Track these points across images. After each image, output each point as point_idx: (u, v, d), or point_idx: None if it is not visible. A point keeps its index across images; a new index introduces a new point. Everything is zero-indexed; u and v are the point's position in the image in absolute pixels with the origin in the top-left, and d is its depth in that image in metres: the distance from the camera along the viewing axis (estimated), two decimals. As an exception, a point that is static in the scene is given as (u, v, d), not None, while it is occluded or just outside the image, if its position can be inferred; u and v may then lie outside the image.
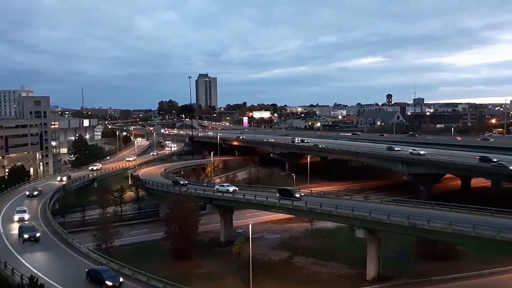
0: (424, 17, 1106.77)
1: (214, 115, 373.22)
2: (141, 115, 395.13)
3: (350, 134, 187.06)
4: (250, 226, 48.27)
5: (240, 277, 51.18)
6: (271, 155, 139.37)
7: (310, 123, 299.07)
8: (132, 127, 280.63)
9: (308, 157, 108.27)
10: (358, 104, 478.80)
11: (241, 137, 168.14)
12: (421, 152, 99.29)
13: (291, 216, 74.11)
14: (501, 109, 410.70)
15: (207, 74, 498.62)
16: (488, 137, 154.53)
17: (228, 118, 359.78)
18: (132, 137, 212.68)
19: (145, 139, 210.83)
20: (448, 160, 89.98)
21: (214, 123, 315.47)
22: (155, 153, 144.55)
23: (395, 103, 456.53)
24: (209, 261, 59.18)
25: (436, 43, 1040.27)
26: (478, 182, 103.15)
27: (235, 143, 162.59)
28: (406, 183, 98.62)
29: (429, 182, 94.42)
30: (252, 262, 46.82)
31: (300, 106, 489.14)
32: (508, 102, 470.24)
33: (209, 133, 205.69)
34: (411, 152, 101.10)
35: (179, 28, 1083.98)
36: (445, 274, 50.98)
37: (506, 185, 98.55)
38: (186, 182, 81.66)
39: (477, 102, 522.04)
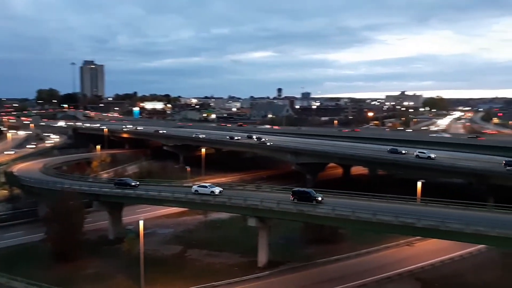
0: (310, 15, 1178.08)
1: (102, 105, 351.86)
2: (16, 105, 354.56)
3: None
4: (141, 222, 46.49)
5: (131, 274, 49.11)
6: (164, 147, 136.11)
7: (205, 115, 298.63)
8: (6, 117, 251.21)
9: (203, 149, 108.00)
10: (251, 97, 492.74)
11: (131, 129, 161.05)
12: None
13: (185, 209, 73.30)
14: (377, 103, 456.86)
15: (93, 61, 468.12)
16: (365, 129, 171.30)
17: (117, 108, 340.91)
18: (4, 129, 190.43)
19: (21, 131, 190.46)
20: (330, 150, 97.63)
21: (101, 113, 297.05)
22: (33, 146, 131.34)
23: (285, 96, 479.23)
24: (97, 261, 55.74)
25: (322, 41, 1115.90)
26: (357, 170, 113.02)
27: (124, 135, 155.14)
28: (294, 172, 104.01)
29: (315, 171, 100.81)
30: (143, 258, 45.34)
31: (195, 98, 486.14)
32: (383, 97, 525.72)
33: (95, 124, 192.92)
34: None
35: (59, 10, 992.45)
36: (328, 257, 54.98)
37: (381, 172, 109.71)
38: (138, 183, 66.77)
39: (357, 97, 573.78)
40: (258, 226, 54.11)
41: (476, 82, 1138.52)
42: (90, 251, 58.14)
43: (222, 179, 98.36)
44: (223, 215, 72.69)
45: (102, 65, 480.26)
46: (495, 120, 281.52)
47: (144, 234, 46.80)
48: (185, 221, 74.68)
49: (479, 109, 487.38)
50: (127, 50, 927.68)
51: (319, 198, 52.45)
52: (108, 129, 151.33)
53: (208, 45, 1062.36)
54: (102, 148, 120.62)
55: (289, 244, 60.58)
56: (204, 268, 53.27)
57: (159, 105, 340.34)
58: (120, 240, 60.02)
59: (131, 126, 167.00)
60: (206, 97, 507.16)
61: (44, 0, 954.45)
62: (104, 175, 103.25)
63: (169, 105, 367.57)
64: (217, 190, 58.66)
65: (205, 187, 60.09)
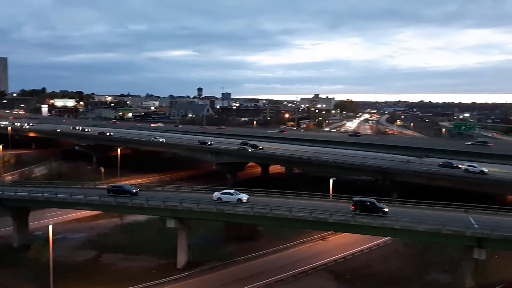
0: (229, 17, 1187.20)
1: (5, 101, 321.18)
2: None
3: (162, 125, 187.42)
4: (50, 227, 43.48)
5: (40, 283, 45.80)
6: (76, 147, 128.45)
7: (120, 113, 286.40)
8: None
9: (119, 150, 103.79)
10: (171, 95, 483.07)
11: (38, 128, 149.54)
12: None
13: (99, 212, 69.95)
14: (293, 105, 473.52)
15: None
16: (283, 129, 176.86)
17: (23, 105, 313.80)
18: None
19: None
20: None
21: (4, 110, 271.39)
22: None
23: (205, 96, 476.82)
24: (0, 271, 51.11)
25: (241, 42, 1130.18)
26: (275, 169, 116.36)
27: (31, 134, 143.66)
28: (215, 172, 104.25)
29: (235, 170, 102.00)
30: (53, 265, 42.55)
31: (110, 95, 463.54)
32: (299, 99, 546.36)
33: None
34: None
35: None
36: (247, 254, 56.04)
37: (296, 171, 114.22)
38: (138, 190, 59.52)
39: (274, 99, 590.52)
40: (178, 227, 53.48)
41: (382, 87, 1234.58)
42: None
43: (139, 180, 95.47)
44: (141, 217, 70.65)
45: (5, 58, 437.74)
46: (398, 122, 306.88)
47: (53, 239, 43.91)
48: (100, 224, 71.26)
49: (385, 112, 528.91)
50: (34, 43, 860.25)
51: (386, 209, 47.79)
52: (12, 128, 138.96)
53: (124, 41, 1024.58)
54: (5, 148, 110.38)
55: (209, 243, 60.69)
56: (120, 273, 51.40)
57: (70, 103, 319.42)
58: (27, 248, 55.69)
59: (38, 126, 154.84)
60: (122, 95, 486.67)
61: None
62: (8, 177, 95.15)
63: (81, 103, 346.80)
64: (244, 197, 52.96)
65: (230, 194, 53.81)
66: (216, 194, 54.52)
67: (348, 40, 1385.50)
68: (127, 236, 65.20)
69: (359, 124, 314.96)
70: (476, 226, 43.68)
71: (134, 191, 58.39)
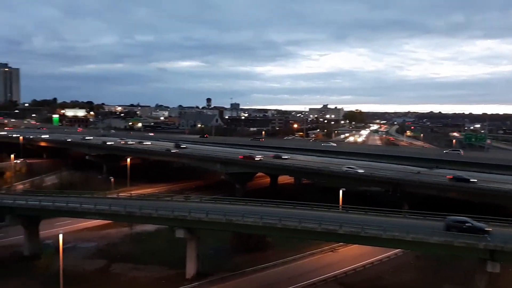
0: (236, 28, 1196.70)
1: (17, 111, 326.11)
2: None
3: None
4: (61, 236, 43.78)
5: (49, 293, 45.98)
6: (87, 157, 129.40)
7: (130, 123, 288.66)
8: None
9: (128, 159, 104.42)
10: (180, 106, 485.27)
11: (50, 138, 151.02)
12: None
13: (109, 221, 70.21)
14: (302, 115, 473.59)
15: (7, 64, 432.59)
16: (291, 140, 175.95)
17: (34, 115, 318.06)
18: None
19: None
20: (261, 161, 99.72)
21: (16, 120, 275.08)
22: None
23: (214, 106, 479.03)
24: (11, 280, 51.25)
25: (248, 53, 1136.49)
26: (284, 179, 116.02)
27: (42, 144, 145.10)
28: (224, 182, 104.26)
29: (244, 180, 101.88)
30: (63, 274, 42.67)
31: (120, 105, 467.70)
32: (307, 110, 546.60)
33: (9, 132, 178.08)
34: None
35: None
36: (256, 265, 55.72)
37: (305, 181, 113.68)
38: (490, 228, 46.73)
39: (283, 109, 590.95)
40: (187, 237, 53.45)
41: (390, 97, 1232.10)
42: (2, 269, 53.42)
43: (149, 190, 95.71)
44: (150, 227, 70.72)
45: (17, 69, 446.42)
46: (408, 132, 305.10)
47: (64, 248, 44.17)
48: (109, 234, 71.44)
49: (394, 122, 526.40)
50: (44, 54, 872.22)
51: (488, 229, 44.05)
52: (24, 137, 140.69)
53: (132, 51, 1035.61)
54: (16, 157, 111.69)
55: (218, 254, 60.49)
56: (130, 283, 51.38)
57: (81, 113, 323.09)
58: (37, 256, 55.98)
59: (49, 136, 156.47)
60: (132, 105, 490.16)
61: None
62: (20, 186, 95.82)
63: (92, 113, 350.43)
64: None
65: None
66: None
67: (355, 51, 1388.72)
68: (137, 246, 65.24)
69: (368, 134, 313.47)
70: (488, 238, 42.97)
71: (486, 229, 44.62)
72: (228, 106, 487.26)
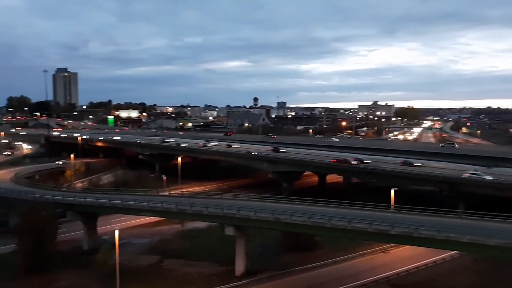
0: (281, 26, 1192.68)
1: (75, 113, 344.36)
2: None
3: (222, 134, 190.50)
4: (116, 232, 45.82)
5: (107, 286, 48.25)
6: (140, 156, 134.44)
7: (181, 123, 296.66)
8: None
9: (179, 158, 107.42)
10: (228, 106, 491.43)
11: (106, 138, 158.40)
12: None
13: (161, 218, 72.59)
14: (350, 113, 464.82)
15: (66, 69, 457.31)
16: (338, 138, 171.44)
17: (91, 117, 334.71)
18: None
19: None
20: (307, 159, 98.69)
21: (75, 122, 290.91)
22: (10, 153, 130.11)
23: (261, 106, 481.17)
24: (71, 273, 54.48)
25: (294, 51, 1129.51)
26: (332, 178, 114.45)
27: (99, 144, 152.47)
28: (271, 181, 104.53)
29: (291, 179, 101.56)
30: (119, 269, 44.62)
31: (171, 106, 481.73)
32: (356, 107, 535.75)
33: (68, 133, 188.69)
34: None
35: (25, 16, 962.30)
36: (305, 264, 55.43)
37: (355, 180, 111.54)
38: None
39: (330, 107, 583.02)
40: (236, 234, 54.10)
41: (445, 93, 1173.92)
42: (63, 262, 56.76)
43: (199, 188, 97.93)
44: (201, 224, 72.33)
45: (75, 73, 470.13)
46: (464, 129, 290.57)
47: (119, 244, 46.14)
48: (161, 230, 73.88)
49: (449, 119, 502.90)
50: (99, 58, 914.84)
51: None
52: (82, 138, 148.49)
53: (181, 53, 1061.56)
54: (75, 157, 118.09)
55: (267, 252, 60.75)
56: (181, 278, 52.83)
57: (134, 114, 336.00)
58: (95, 251, 58.87)
59: (105, 136, 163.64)
60: (182, 106, 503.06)
61: (6, 4, 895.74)
62: (79, 184, 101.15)
63: (144, 114, 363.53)
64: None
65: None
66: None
67: (406, 45, 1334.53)
68: (188, 243, 66.99)
69: (422, 131, 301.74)
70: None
71: None
72: (274, 105, 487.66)
